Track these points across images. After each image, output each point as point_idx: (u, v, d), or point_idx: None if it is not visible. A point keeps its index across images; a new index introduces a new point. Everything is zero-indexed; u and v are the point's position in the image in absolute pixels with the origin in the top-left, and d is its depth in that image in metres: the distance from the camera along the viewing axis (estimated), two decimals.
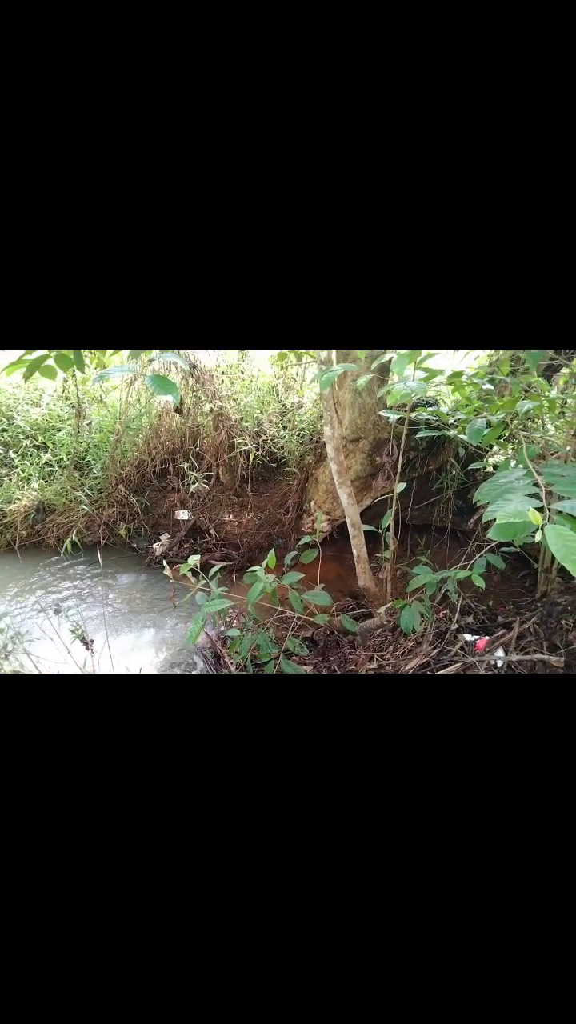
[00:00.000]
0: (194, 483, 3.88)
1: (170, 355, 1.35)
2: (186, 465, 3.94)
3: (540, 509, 1.17)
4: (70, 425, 4.24)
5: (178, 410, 3.96)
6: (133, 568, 3.82)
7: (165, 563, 2.52)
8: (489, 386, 2.07)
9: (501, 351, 2.45)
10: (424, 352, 1.97)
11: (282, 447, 3.85)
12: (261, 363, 4.33)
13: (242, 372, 4.16)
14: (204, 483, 3.89)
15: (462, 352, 2.10)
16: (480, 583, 1.95)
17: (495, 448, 2.95)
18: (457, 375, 2.22)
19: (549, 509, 1.18)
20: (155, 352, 1.74)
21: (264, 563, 2.14)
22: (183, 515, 3.87)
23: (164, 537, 3.90)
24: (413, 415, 2.48)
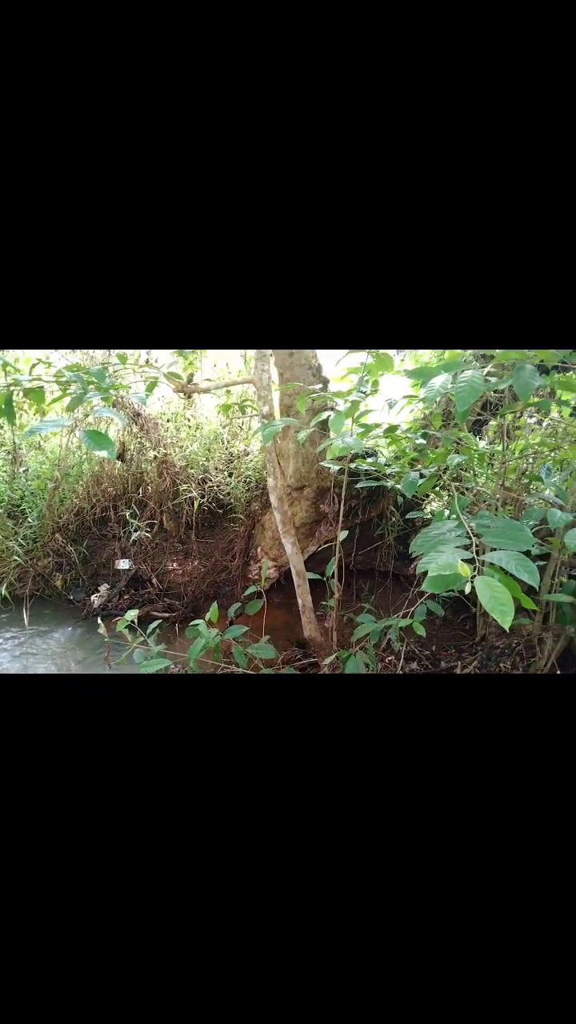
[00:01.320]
0: (136, 531, 3.77)
1: (107, 411, 1.33)
2: (128, 512, 3.84)
3: (471, 560, 1.22)
4: (4, 472, 4.05)
5: (120, 457, 3.89)
6: (68, 622, 3.60)
7: (100, 620, 2.40)
8: (422, 440, 2.19)
9: (433, 406, 2.61)
10: (361, 407, 2.07)
11: (228, 494, 3.85)
12: (207, 410, 4.37)
13: (188, 419, 4.17)
14: (146, 531, 3.80)
15: (398, 405, 2.22)
16: (421, 631, 1.98)
17: (431, 496, 3.08)
18: (392, 429, 2.33)
19: (479, 561, 1.23)
20: (96, 401, 1.72)
21: (207, 617, 2.08)
22: (124, 564, 3.73)
23: (103, 588, 3.73)
24: (353, 465, 2.57)
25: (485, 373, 1.83)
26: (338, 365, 2.04)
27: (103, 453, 1.31)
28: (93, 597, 3.68)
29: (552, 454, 2.69)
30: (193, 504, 3.78)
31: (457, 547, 1.34)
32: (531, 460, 2.74)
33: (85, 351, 3.87)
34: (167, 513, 3.88)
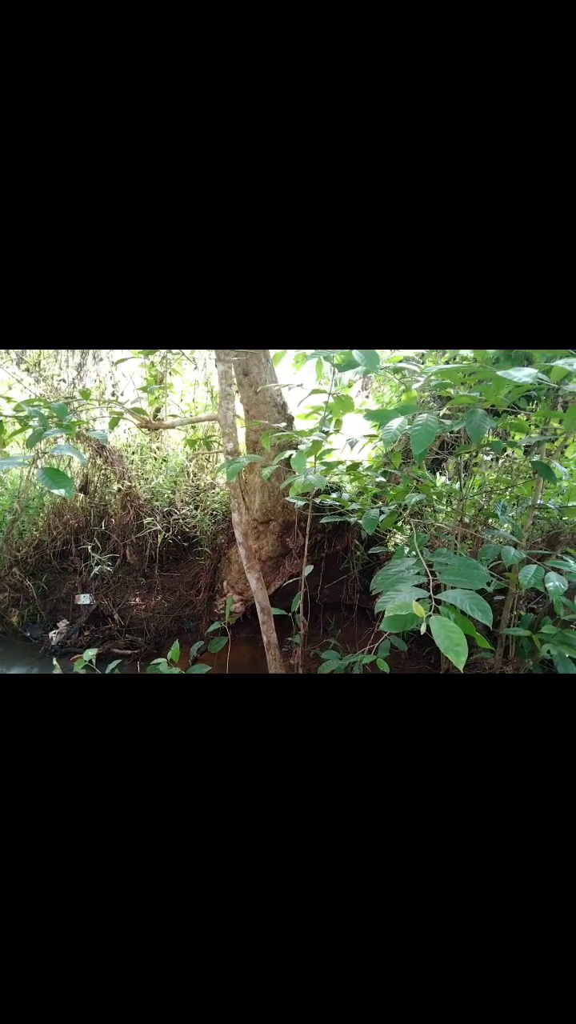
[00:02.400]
0: (98, 565, 3.68)
1: (66, 449, 1.32)
2: (90, 546, 3.75)
3: (428, 599, 1.25)
4: None
5: (83, 490, 3.83)
6: (24, 660, 3.43)
7: (55, 660, 2.30)
8: (382, 479, 2.26)
9: (394, 444, 2.70)
10: (325, 445, 2.12)
11: (194, 527, 3.82)
12: (174, 442, 4.37)
13: (154, 452, 4.16)
14: (108, 565, 3.71)
15: (359, 444, 2.29)
16: (385, 668, 1.99)
17: (394, 531, 3.15)
18: (355, 466, 2.39)
19: (435, 600, 1.26)
20: (60, 441, 1.70)
21: (168, 655, 2.03)
22: (84, 599, 3.62)
23: (62, 624, 3.59)
24: (318, 500, 2.61)
25: (441, 415, 1.91)
26: (300, 405, 2.10)
27: (61, 492, 1.29)
28: (51, 634, 3.54)
29: (508, 491, 2.81)
30: (157, 537, 3.73)
31: (415, 585, 1.37)
32: (488, 496, 2.85)
33: (49, 383, 3.84)
34: (130, 546, 3.81)
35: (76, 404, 2.19)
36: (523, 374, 1.16)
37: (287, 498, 2.64)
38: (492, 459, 3.21)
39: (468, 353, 2.21)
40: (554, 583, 1.39)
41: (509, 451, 2.89)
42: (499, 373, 1.19)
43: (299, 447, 1.95)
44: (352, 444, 2.18)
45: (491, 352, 1.39)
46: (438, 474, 3.52)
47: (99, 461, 3.81)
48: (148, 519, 3.72)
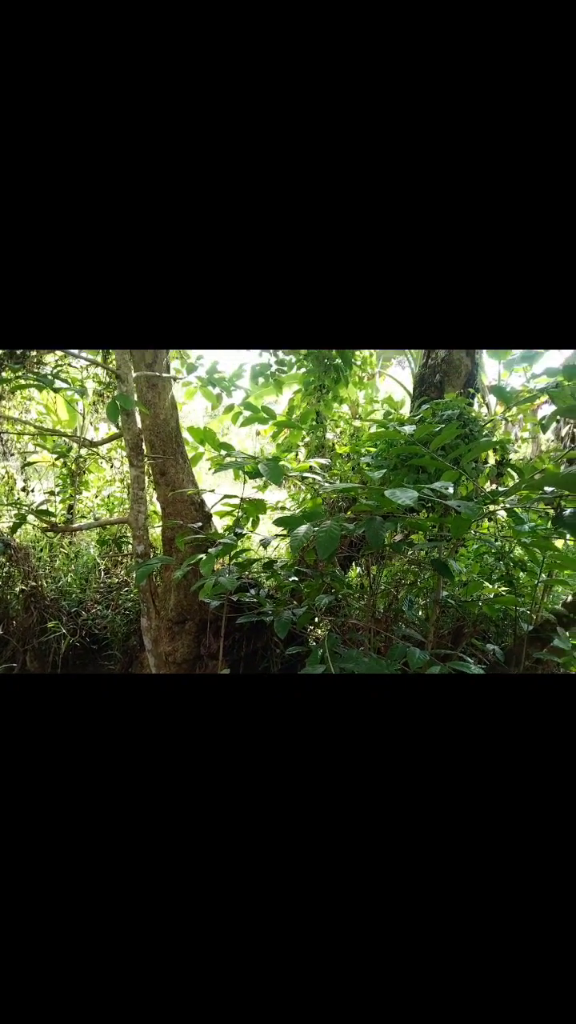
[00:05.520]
0: None
1: None
2: None
3: None
4: None
5: None
6: None
7: None
8: (294, 578, 2.30)
9: (303, 547, 2.79)
10: (239, 546, 2.15)
11: (105, 627, 3.58)
12: (88, 537, 4.20)
13: (64, 547, 3.97)
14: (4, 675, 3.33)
15: (272, 544, 2.34)
16: None
17: (310, 628, 3.16)
18: (270, 564, 2.43)
19: None
20: None
21: None
22: None
23: None
24: (235, 599, 2.58)
25: (348, 515, 2.02)
26: (214, 507, 2.14)
27: None
28: None
29: (416, 582, 2.95)
30: (62, 641, 3.44)
31: None
32: (399, 586, 2.97)
33: None
34: (32, 652, 3.47)
35: None
36: (406, 496, 1.29)
37: (202, 598, 2.59)
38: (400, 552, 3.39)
39: (368, 461, 2.41)
40: None
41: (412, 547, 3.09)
42: (385, 494, 1.31)
43: (210, 549, 1.97)
44: (265, 545, 2.23)
45: (376, 475, 1.54)
46: (354, 564, 3.64)
47: (2, 559, 3.55)
48: (52, 622, 3.45)
